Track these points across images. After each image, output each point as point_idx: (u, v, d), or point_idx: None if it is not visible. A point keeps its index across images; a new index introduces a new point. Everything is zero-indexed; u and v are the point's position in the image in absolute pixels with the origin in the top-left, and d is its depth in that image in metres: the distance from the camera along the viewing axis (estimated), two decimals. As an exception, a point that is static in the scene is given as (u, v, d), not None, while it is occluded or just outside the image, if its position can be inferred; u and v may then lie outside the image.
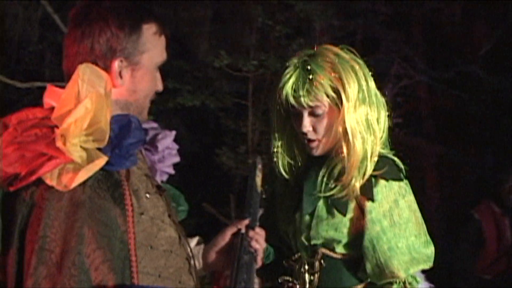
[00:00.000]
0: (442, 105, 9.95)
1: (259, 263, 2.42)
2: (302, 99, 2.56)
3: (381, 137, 2.64)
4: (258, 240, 2.41)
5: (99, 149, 1.88)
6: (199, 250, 2.47)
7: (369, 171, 2.59)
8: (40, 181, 1.85)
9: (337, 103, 2.57)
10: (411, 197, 2.66)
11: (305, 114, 2.60)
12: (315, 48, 2.65)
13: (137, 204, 1.96)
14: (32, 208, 1.87)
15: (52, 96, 1.96)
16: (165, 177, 2.50)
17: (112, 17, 1.98)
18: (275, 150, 2.75)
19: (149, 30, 2.03)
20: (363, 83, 2.59)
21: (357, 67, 2.60)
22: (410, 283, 2.63)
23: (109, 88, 1.94)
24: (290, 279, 2.73)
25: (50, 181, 1.84)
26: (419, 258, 2.62)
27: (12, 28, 8.14)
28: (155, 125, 2.48)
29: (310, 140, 2.62)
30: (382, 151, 2.64)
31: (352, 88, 2.56)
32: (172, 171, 2.41)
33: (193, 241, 2.49)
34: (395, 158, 2.67)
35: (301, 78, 2.58)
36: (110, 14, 1.98)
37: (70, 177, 1.84)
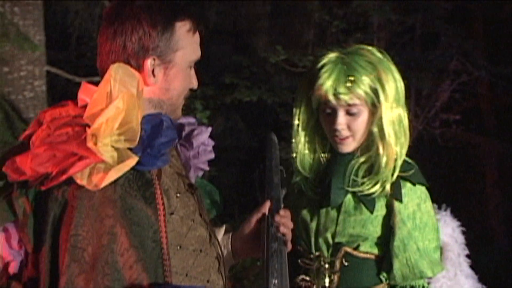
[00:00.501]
0: (502, 102, 9.83)
1: (289, 246, 2.36)
2: (341, 96, 2.57)
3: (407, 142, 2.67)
4: (285, 224, 2.34)
5: (130, 149, 1.88)
6: (227, 239, 2.42)
7: (398, 171, 2.59)
8: (71, 180, 1.84)
9: (374, 102, 2.58)
10: (429, 203, 2.65)
11: (341, 111, 2.60)
12: (350, 47, 2.68)
13: (168, 204, 1.94)
14: (64, 207, 1.87)
15: (86, 93, 1.95)
16: (200, 173, 2.50)
17: (144, 15, 1.97)
18: (295, 145, 2.75)
19: (183, 28, 2.02)
20: (399, 84, 2.61)
21: (392, 67, 2.62)
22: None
23: (141, 88, 1.94)
24: (308, 279, 2.68)
25: (81, 180, 1.83)
26: (434, 261, 2.62)
27: (73, 24, 8.26)
28: (192, 120, 2.46)
29: (343, 138, 2.64)
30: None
31: (390, 88, 2.58)
32: (206, 168, 2.39)
33: (221, 230, 2.45)
34: (411, 161, 2.67)
35: (342, 76, 2.58)
36: (143, 12, 1.98)
37: (100, 176, 1.83)
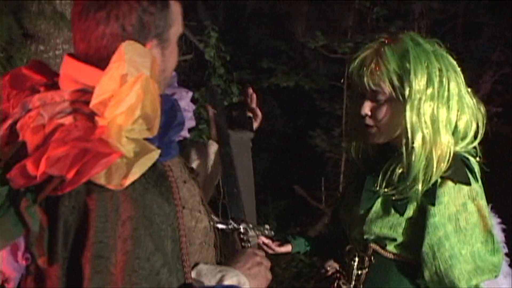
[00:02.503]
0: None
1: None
2: (365, 79, 2.47)
3: (465, 145, 2.49)
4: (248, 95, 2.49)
5: (146, 139, 1.70)
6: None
7: (436, 176, 2.43)
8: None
9: (401, 93, 2.44)
10: (482, 202, 2.47)
11: (367, 96, 2.50)
12: (401, 33, 2.55)
13: (180, 197, 1.79)
14: (79, 211, 1.66)
15: (81, 73, 1.75)
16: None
17: None
18: (348, 134, 2.70)
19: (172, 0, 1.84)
20: (436, 78, 2.42)
21: (434, 61, 2.45)
22: None
23: (156, 69, 1.75)
24: (338, 269, 2.68)
25: (100, 180, 1.63)
26: (484, 267, 2.44)
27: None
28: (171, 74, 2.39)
29: (369, 126, 2.53)
30: (457, 149, 2.49)
31: (418, 80, 2.41)
32: (187, 135, 2.28)
33: (213, 146, 2.47)
34: (471, 159, 2.51)
35: (369, 59, 2.48)
36: None
37: (122, 174, 1.64)
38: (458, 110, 2.46)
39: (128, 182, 1.64)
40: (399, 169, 2.48)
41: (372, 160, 2.63)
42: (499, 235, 2.65)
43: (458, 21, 8.71)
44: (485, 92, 8.01)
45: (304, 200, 7.31)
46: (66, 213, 1.66)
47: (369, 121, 2.51)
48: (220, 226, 2.10)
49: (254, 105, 2.55)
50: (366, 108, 2.50)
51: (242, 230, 2.19)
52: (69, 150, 1.62)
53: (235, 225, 2.19)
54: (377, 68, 2.44)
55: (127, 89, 1.66)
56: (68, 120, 1.67)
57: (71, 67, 1.77)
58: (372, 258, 2.57)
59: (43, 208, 1.66)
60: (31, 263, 1.71)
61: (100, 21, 1.74)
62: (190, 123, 2.25)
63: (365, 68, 2.47)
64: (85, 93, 1.72)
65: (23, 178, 1.63)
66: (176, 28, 1.85)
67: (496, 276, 2.49)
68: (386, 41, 2.50)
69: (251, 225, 2.20)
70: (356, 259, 2.61)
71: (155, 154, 1.68)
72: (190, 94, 2.25)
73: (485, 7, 8.74)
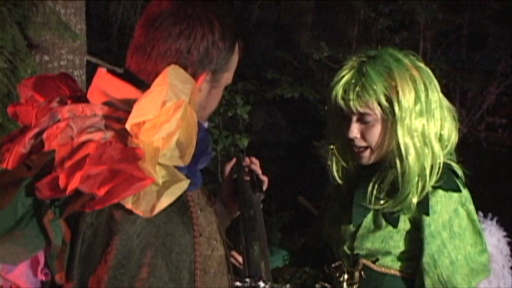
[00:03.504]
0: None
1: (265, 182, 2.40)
2: (351, 103, 2.43)
3: (447, 152, 2.50)
4: (254, 162, 2.37)
5: (175, 166, 1.66)
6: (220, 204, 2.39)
7: (428, 187, 2.44)
8: None
9: (390, 112, 2.43)
10: (470, 206, 2.49)
11: (354, 119, 2.46)
12: (378, 49, 2.53)
13: (197, 223, 1.76)
14: (99, 230, 1.62)
15: (117, 89, 1.71)
16: None
17: (218, 23, 1.77)
18: (329, 152, 2.65)
19: (237, 49, 1.85)
20: (422, 94, 2.42)
21: (418, 76, 2.44)
22: None
23: (195, 97, 1.72)
24: (328, 286, 2.64)
25: (127, 203, 1.60)
26: (477, 268, 2.47)
27: (115, 14, 8.26)
28: None
29: (359, 148, 2.50)
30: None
31: (407, 98, 2.40)
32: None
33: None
34: (454, 165, 2.51)
35: (354, 80, 2.44)
36: (216, 19, 1.77)
37: (151, 201, 1.60)
38: (441, 120, 2.47)
39: (157, 210, 1.60)
40: (387, 183, 2.47)
41: (353, 176, 2.61)
42: (505, 249, 2.65)
43: (463, 32, 8.71)
44: (490, 103, 8.01)
45: (308, 211, 7.30)
46: (87, 231, 1.62)
47: (360, 143, 2.48)
48: (237, 284, 2.04)
49: (259, 170, 2.47)
50: (355, 131, 2.47)
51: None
52: (104, 169, 1.59)
53: (253, 283, 2.09)
54: (364, 91, 2.41)
55: (166, 114, 1.63)
56: (97, 136, 1.64)
57: (105, 81, 1.73)
58: (363, 273, 2.54)
59: (67, 223, 1.63)
60: (48, 279, 1.67)
61: (170, 36, 1.73)
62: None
63: (350, 92, 2.43)
64: (117, 109, 1.69)
65: (51, 190, 1.59)
66: (230, 74, 1.86)
67: (488, 275, 2.51)
68: (364, 59, 2.48)
69: (269, 283, 2.14)
70: (345, 275, 2.58)
71: (185, 184, 1.64)
72: (206, 124, 2.26)
73: (490, 18, 8.75)
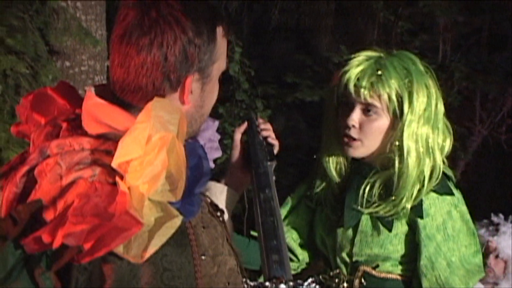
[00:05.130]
0: None
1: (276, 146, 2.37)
2: (361, 90, 2.40)
3: (442, 163, 2.49)
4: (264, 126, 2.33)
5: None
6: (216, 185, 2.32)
7: (423, 194, 2.43)
8: None
9: (396, 112, 2.41)
10: (463, 208, 2.50)
11: (358, 107, 2.44)
12: (396, 50, 2.52)
13: (197, 245, 1.72)
14: (91, 274, 1.58)
15: (97, 109, 1.65)
16: None
17: (187, 20, 1.66)
18: (323, 147, 2.61)
19: (220, 34, 1.74)
20: (433, 102, 2.43)
21: (432, 84, 2.44)
22: None
23: (183, 128, 1.65)
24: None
25: (117, 249, 1.55)
26: (472, 269, 2.47)
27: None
28: None
29: (351, 138, 2.47)
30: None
31: (419, 102, 2.39)
32: (212, 166, 2.23)
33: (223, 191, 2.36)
34: (447, 169, 2.52)
35: (370, 70, 2.42)
36: (185, 16, 1.66)
37: (143, 244, 1.56)
38: (443, 132, 2.46)
39: (148, 255, 1.56)
40: (379, 186, 2.45)
41: (346, 177, 2.58)
42: None
43: (484, 34, 8.66)
44: (511, 105, 7.96)
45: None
46: (79, 276, 1.58)
47: (353, 133, 2.46)
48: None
49: (270, 133, 2.45)
50: (355, 119, 2.45)
51: None
52: (88, 224, 1.53)
53: (274, 286, 2.05)
54: (378, 82, 2.40)
55: (152, 152, 1.58)
56: (86, 173, 1.59)
57: (93, 105, 1.68)
58: (363, 280, 2.52)
59: (56, 274, 1.58)
60: None
61: (142, 48, 1.65)
62: (216, 153, 2.19)
63: (364, 80, 2.41)
64: (106, 140, 1.65)
65: (38, 245, 1.55)
66: (220, 64, 1.77)
67: (482, 275, 2.52)
68: (382, 55, 2.46)
69: (291, 283, 2.06)
70: (345, 284, 2.56)
71: (177, 221, 1.60)
72: (217, 123, 2.18)
73: (510, 19, 8.70)
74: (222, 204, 2.32)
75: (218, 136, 2.20)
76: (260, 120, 2.47)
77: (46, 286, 1.57)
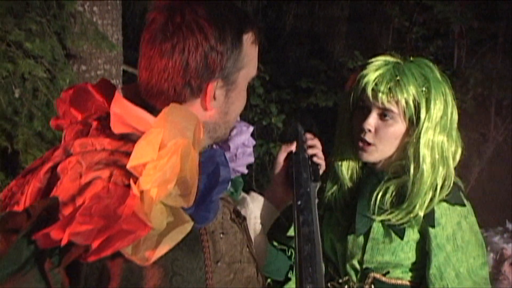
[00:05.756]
0: None
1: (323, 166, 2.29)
2: (379, 94, 2.38)
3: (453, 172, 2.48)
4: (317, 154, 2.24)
5: None
6: (266, 203, 2.25)
7: (435, 202, 2.41)
8: None
9: (413, 118, 2.41)
10: (473, 219, 2.46)
11: (374, 112, 2.42)
12: (414, 57, 2.52)
13: (213, 250, 1.70)
14: (100, 272, 1.60)
15: (123, 110, 1.68)
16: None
17: (210, 27, 1.66)
18: (336, 151, 2.59)
19: (248, 41, 1.72)
20: (449, 110, 2.42)
21: (448, 92, 2.45)
22: None
23: (199, 135, 1.65)
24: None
25: (125, 250, 1.55)
26: (479, 281, 2.44)
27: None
28: None
29: (366, 143, 2.47)
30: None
31: (436, 110, 2.38)
32: (245, 171, 2.14)
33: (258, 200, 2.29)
34: (457, 179, 2.49)
35: (388, 75, 2.40)
36: (208, 23, 1.66)
37: (151, 246, 1.56)
38: (456, 141, 2.46)
39: (154, 257, 1.56)
40: (391, 193, 2.46)
41: (358, 182, 2.57)
42: None
43: (498, 40, 8.65)
44: (525, 111, 7.96)
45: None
46: (88, 273, 1.59)
47: (369, 137, 2.45)
48: None
49: (319, 150, 2.36)
50: (372, 123, 2.45)
51: None
52: (94, 224, 1.53)
53: None
54: (396, 87, 2.40)
55: (165, 156, 1.58)
56: (104, 173, 1.59)
57: (119, 106, 1.69)
58: (373, 286, 2.52)
59: (65, 270, 1.60)
60: None
61: (165, 53, 1.65)
62: (249, 159, 2.15)
63: (383, 85, 2.42)
64: (127, 142, 1.66)
65: (48, 240, 1.56)
66: (248, 71, 1.75)
67: None
68: (400, 60, 2.47)
69: None
70: None
71: (187, 227, 1.58)
72: (251, 129, 2.14)
73: (525, 26, 8.70)
74: (254, 213, 2.28)
75: (253, 142, 2.16)
76: (308, 135, 2.39)
77: (55, 280, 1.59)
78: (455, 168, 2.48)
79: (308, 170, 2.26)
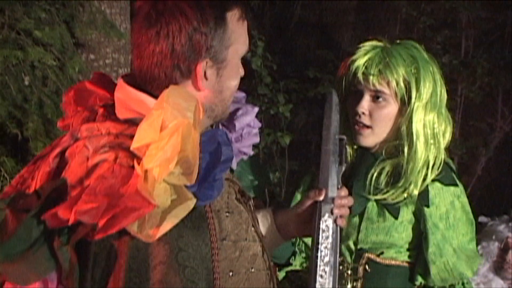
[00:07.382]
0: None
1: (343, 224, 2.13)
2: (370, 77, 2.46)
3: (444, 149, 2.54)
4: (342, 215, 2.09)
5: None
6: (270, 216, 2.18)
7: (429, 180, 2.48)
8: None
9: (404, 98, 2.47)
10: (465, 199, 2.55)
11: (367, 95, 2.49)
12: (401, 40, 2.58)
13: (219, 228, 1.75)
14: (108, 251, 1.65)
15: (126, 96, 1.75)
16: (243, 157, 2.24)
17: (192, 10, 1.72)
18: None
19: (233, 18, 1.78)
20: (439, 89, 2.50)
21: (437, 71, 2.51)
22: (467, 283, 2.57)
23: (199, 114, 1.71)
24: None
25: (131, 228, 1.61)
26: (470, 254, 2.54)
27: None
28: (240, 95, 2.16)
29: (362, 126, 2.51)
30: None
31: (426, 88, 2.47)
32: (250, 152, 2.18)
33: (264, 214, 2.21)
34: (449, 161, 2.58)
35: (377, 58, 2.48)
36: (189, 6, 1.72)
37: (155, 223, 1.61)
38: (445, 119, 2.52)
39: (159, 234, 1.61)
40: (386, 173, 2.50)
41: (351, 166, 2.58)
42: None
43: (506, 30, 8.63)
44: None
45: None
46: (97, 251, 1.66)
47: (364, 120, 2.50)
48: None
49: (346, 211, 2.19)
50: (365, 106, 2.50)
51: None
52: (99, 203, 1.60)
53: None
54: (386, 69, 2.46)
55: (166, 137, 1.64)
56: (110, 156, 1.66)
57: (122, 92, 1.77)
58: (367, 267, 2.56)
59: (73, 248, 1.66)
60: None
61: (151, 39, 1.73)
62: (254, 139, 2.19)
63: (372, 68, 2.47)
64: (131, 125, 1.71)
65: (56, 220, 1.63)
66: (237, 47, 1.80)
67: (480, 262, 2.62)
68: (388, 43, 2.53)
69: None
70: (349, 271, 2.59)
71: (190, 204, 1.64)
72: (256, 109, 2.18)
73: (533, 16, 8.68)
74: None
75: (258, 124, 2.20)
76: (342, 193, 2.16)
77: (64, 257, 1.65)
78: (448, 149, 2.54)
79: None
